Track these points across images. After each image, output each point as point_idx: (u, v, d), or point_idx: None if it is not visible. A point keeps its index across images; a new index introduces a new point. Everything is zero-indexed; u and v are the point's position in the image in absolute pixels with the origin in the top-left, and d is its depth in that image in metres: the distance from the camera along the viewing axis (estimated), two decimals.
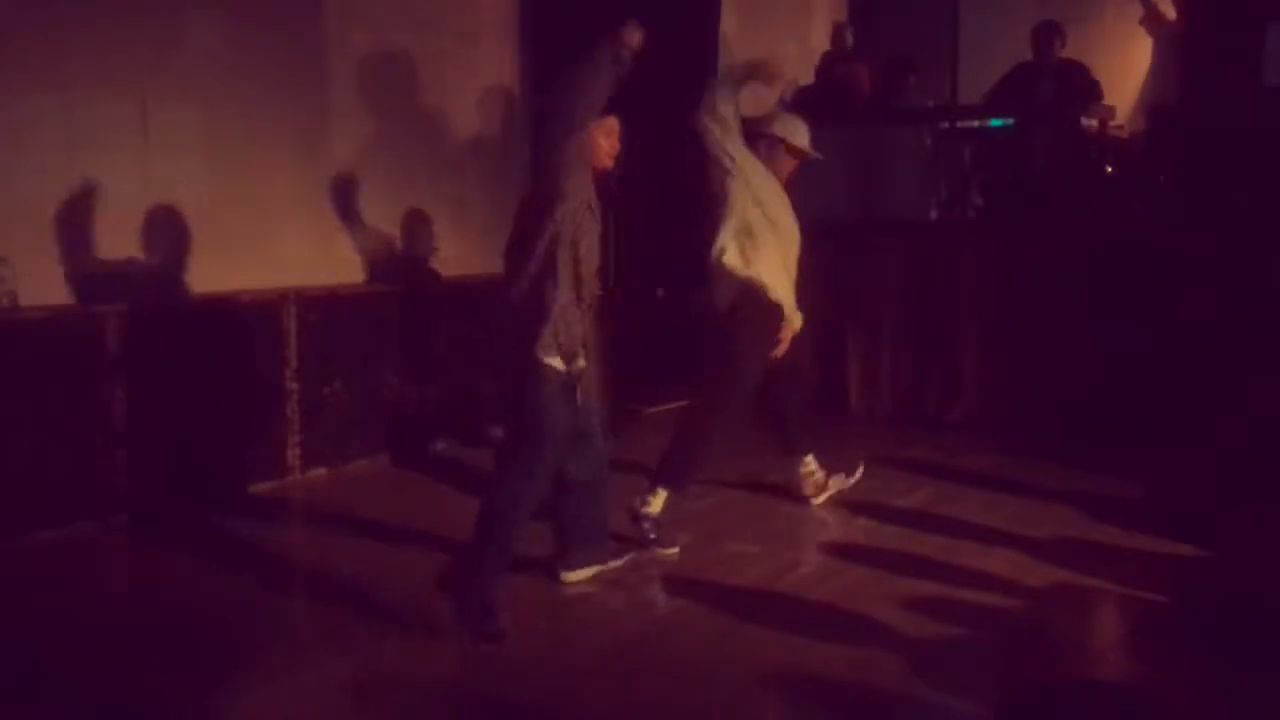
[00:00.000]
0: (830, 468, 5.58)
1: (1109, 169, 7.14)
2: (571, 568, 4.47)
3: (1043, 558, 4.79)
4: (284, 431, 5.94)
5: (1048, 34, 7.50)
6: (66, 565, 4.82)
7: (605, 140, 4.10)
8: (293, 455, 5.98)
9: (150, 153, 5.49)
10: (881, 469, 6.11)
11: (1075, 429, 6.55)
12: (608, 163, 4.13)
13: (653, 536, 4.82)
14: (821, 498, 5.52)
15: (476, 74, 7.17)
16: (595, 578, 4.52)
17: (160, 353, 5.41)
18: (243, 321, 5.76)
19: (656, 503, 4.87)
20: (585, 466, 4.34)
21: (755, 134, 4.97)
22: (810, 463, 5.52)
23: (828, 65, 9.16)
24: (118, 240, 5.38)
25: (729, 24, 8.85)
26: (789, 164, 5.05)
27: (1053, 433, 6.60)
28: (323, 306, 6.09)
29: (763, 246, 4.83)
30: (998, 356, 6.99)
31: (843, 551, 4.98)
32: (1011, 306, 6.90)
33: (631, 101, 7.23)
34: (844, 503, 5.60)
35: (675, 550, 4.83)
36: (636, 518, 4.83)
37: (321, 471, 6.09)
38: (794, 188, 6.64)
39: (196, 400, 5.56)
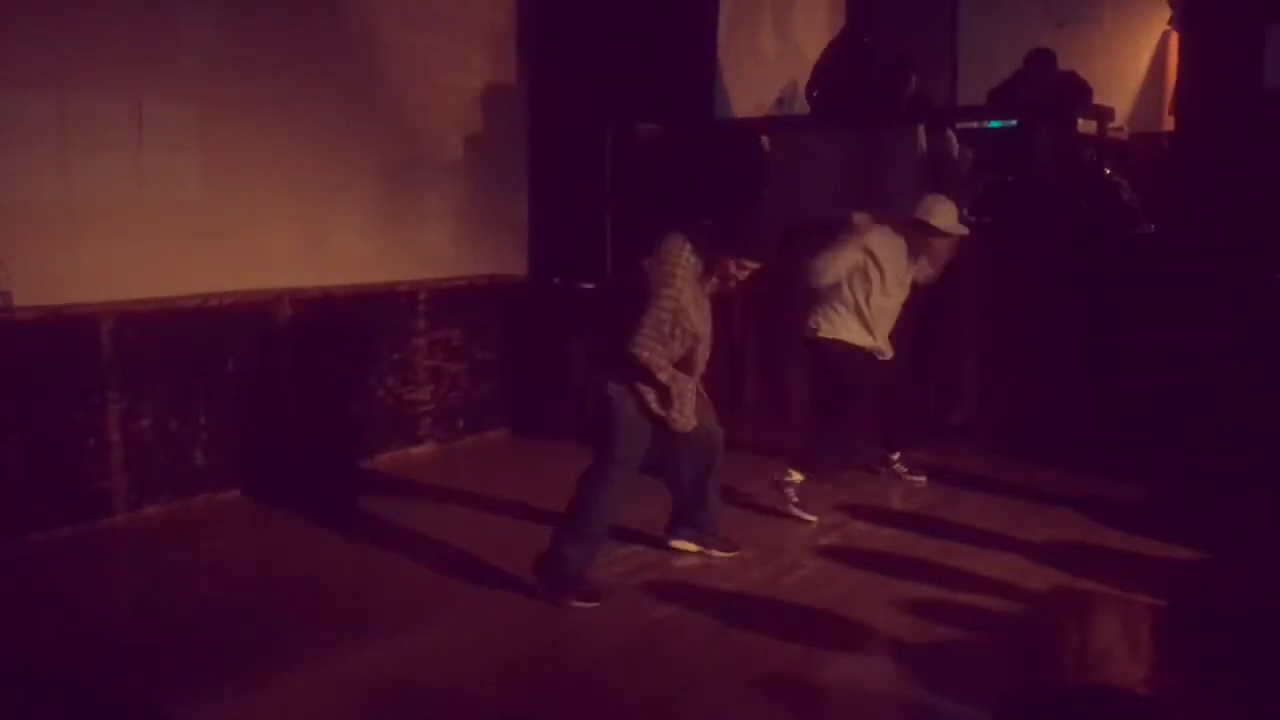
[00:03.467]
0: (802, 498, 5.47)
1: (1107, 170, 7.13)
2: (678, 536, 4.94)
3: (1041, 560, 4.78)
4: (282, 429, 5.92)
5: (1042, 61, 7.54)
6: (57, 567, 4.79)
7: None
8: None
9: (144, 152, 5.46)
10: (880, 472, 6.08)
11: (1074, 431, 6.53)
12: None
13: (795, 500, 5.40)
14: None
15: (475, 75, 7.14)
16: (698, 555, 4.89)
17: (149, 353, 5.38)
18: (232, 321, 5.70)
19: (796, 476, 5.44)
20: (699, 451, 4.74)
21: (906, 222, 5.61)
22: (794, 476, 5.47)
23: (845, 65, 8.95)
24: (111, 240, 5.36)
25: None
26: (940, 246, 5.66)
27: (1051, 435, 6.58)
28: (316, 306, 6.06)
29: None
30: (996, 359, 6.97)
31: (840, 554, 4.96)
32: (1010, 308, 6.88)
33: (630, 103, 7.30)
34: (842, 506, 5.59)
35: (815, 519, 5.37)
36: (779, 486, 5.42)
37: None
38: (790, 188, 7.16)
39: (185, 401, 5.54)
